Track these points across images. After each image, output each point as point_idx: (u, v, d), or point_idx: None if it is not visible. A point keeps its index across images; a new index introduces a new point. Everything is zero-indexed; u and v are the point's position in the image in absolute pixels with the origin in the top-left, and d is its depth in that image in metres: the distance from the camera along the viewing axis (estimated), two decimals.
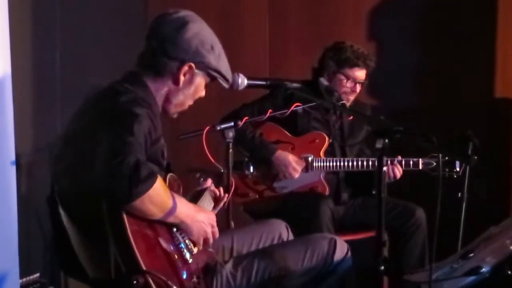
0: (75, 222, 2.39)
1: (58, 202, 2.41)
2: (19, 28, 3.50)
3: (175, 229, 2.43)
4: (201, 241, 2.49)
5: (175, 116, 2.61)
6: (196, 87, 2.54)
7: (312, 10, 5.01)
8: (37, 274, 3.70)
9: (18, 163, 3.42)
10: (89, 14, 4.19)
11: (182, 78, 2.48)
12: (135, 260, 2.19)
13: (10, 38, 3.34)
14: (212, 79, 2.57)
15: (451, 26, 4.82)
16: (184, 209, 2.41)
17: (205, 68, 2.51)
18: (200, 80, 2.53)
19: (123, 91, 2.38)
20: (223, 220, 3.28)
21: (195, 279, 2.42)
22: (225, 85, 2.61)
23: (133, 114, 2.28)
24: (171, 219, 2.36)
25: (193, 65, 2.48)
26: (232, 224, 3.38)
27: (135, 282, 2.17)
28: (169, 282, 2.23)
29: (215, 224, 2.53)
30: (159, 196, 2.27)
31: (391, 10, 4.91)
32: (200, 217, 2.47)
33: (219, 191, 3.01)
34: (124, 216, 2.21)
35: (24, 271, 3.51)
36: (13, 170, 3.37)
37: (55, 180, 2.45)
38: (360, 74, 3.94)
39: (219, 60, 2.54)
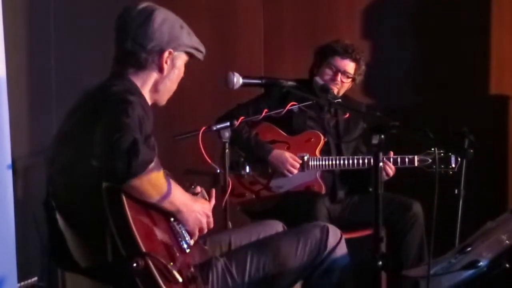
0: (70, 223, 2.39)
1: (54, 204, 2.41)
2: (13, 32, 3.50)
3: (172, 219, 2.45)
4: (197, 231, 2.51)
5: (163, 104, 2.65)
6: (178, 70, 2.59)
7: (307, 9, 5.02)
8: (35, 278, 3.71)
9: (14, 167, 3.43)
10: (83, 17, 4.19)
11: (165, 65, 2.53)
12: (135, 242, 2.19)
13: (5, 42, 3.34)
14: (189, 56, 2.62)
15: (446, 23, 4.83)
16: (181, 197, 2.44)
17: (182, 48, 2.56)
18: (180, 62, 2.59)
19: (113, 84, 2.44)
20: (221, 220, 3.29)
21: (192, 269, 2.43)
22: (200, 58, 2.64)
23: (126, 101, 2.31)
24: (167, 204, 2.38)
25: (171, 50, 2.53)
26: (230, 224, 3.38)
27: (135, 264, 2.17)
28: (169, 266, 2.24)
29: (210, 214, 2.56)
30: (156, 177, 2.28)
31: (385, 8, 4.92)
32: (196, 207, 2.50)
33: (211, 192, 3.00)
34: (124, 199, 2.21)
35: (22, 275, 3.52)
36: (9, 174, 3.38)
37: (50, 182, 2.45)
38: (342, 63, 3.93)
39: (190, 36, 2.59)
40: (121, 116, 2.24)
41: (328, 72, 3.94)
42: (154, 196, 2.31)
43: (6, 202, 3.36)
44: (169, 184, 2.35)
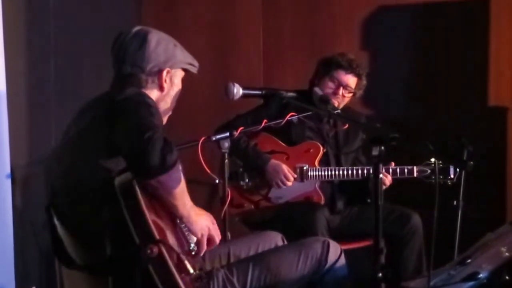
0: (69, 230, 2.43)
1: (52, 211, 2.46)
2: (13, 42, 3.50)
3: (178, 221, 2.49)
4: (204, 239, 2.54)
5: (164, 123, 2.67)
6: (177, 86, 2.69)
7: (306, 20, 5.03)
8: (33, 287, 3.69)
9: (13, 176, 3.43)
10: (83, 27, 4.19)
11: (165, 84, 2.62)
12: (149, 229, 2.24)
13: (5, 52, 3.34)
14: (185, 71, 2.71)
15: (445, 35, 4.84)
16: (189, 202, 2.49)
17: (179, 65, 2.66)
18: (178, 78, 2.69)
19: (124, 88, 2.49)
20: (220, 231, 3.28)
21: (198, 271, 2.47)
22: (195, 71, 2.74)
23: (146, 103, 2.40)
24: (179, 201, 2.42)
25: (169, 69, 2.62)
26: (229, 234, 3.38)
27: (149, 251, 2.20)
28: (181, 256, 2.29)
29: (214, 221, 2.62)
30: (179, 171, 2.37)
31: (384, 20, 4.93)
32: (200, 211, 2.56)
33: None
34: (137, 190, 2.27)
35: (20, 284, 3.50)
36: (8, 183, 3.38)
37: (50, 189, 2.49)
38: (345, 78, 3.94)
39: (183, 52, 2.68)
40: (148, 116, 2.34)
41: (331, 85, 3.94)
42: (175, 188, 2.37)
43: (4, 211, 3.36)
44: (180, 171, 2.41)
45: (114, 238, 2.29)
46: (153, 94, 2.60)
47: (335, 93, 3.93)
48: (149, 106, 2.38)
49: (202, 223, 2.54)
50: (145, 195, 2.30)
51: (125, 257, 2.27)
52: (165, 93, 2.63)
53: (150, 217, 2.28)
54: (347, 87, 3.95)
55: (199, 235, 2.53)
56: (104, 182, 2.30)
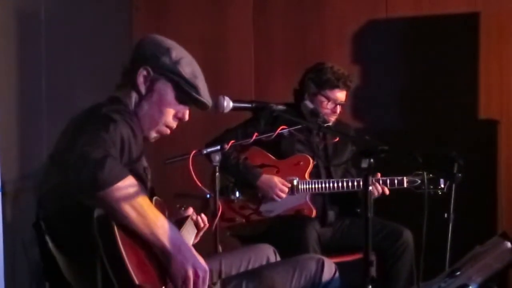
0: (59, 246, 2.36)
1: (43, 227, 2.39)
2: (4, 55, 3.50)
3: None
4: (178, 282, 2.23)
5: (153, 139, 2.54)
6: (159, 95, 2.44)
7: (297, 34, 5.05)
8: None
9: (3, 191, 3.41)
10: (75, 39, 4.20)
11: (140, 82, 2.42)
12: (127, 274, 2.13)
13: None
14: (179, 89, 2.47)
15: (435, 48, 4.86)
16: (172, 234, 2.24)
17: (162, 71, 2.43)
18: (163, 87, 2.45)
19: (104, 104, 2.37)
20: (211, 245, 3.28)
21: None
22: (194, 94, 2.48)
23: (111, 118, 2.23)
24: (149, 235, 2.21)
25: (149, 68, 2.42)
26: (220, 248, 3.37)
27: None
28: None
29: (202, 273, 2.27)
30: (131, 194, 2.16)
31: (375, 33, 4.95)
32: (186, 253, 2.25)
33: (201, 218, 2.91)
34: (115, 228, 2.15)
35: None
36: None
37: (40, 204, 2.43)
38: (341, 95, 3.97)
39: (179, 64, 2.44)
40: (100, 131, 2.17)
41: (327, 105, 3.96)
42: (132, 216, 2.16)
43: None
44: (157, 214, 2.24)
45: (105, 268, 2.17)
46: (132, 95, 2.44)
47: (334, 111, 3.96)
48: (112, 121, 2.22)
49: (179, 268, 2.21)
50: (124, 231, 2.18)
51: None
52: (142, 96, 2.43)
53: (129, 248, 2.16)
54: (341, 103, 4.00)
55: (172, 277, 2.23)
56: (88, 210, 2.15)
